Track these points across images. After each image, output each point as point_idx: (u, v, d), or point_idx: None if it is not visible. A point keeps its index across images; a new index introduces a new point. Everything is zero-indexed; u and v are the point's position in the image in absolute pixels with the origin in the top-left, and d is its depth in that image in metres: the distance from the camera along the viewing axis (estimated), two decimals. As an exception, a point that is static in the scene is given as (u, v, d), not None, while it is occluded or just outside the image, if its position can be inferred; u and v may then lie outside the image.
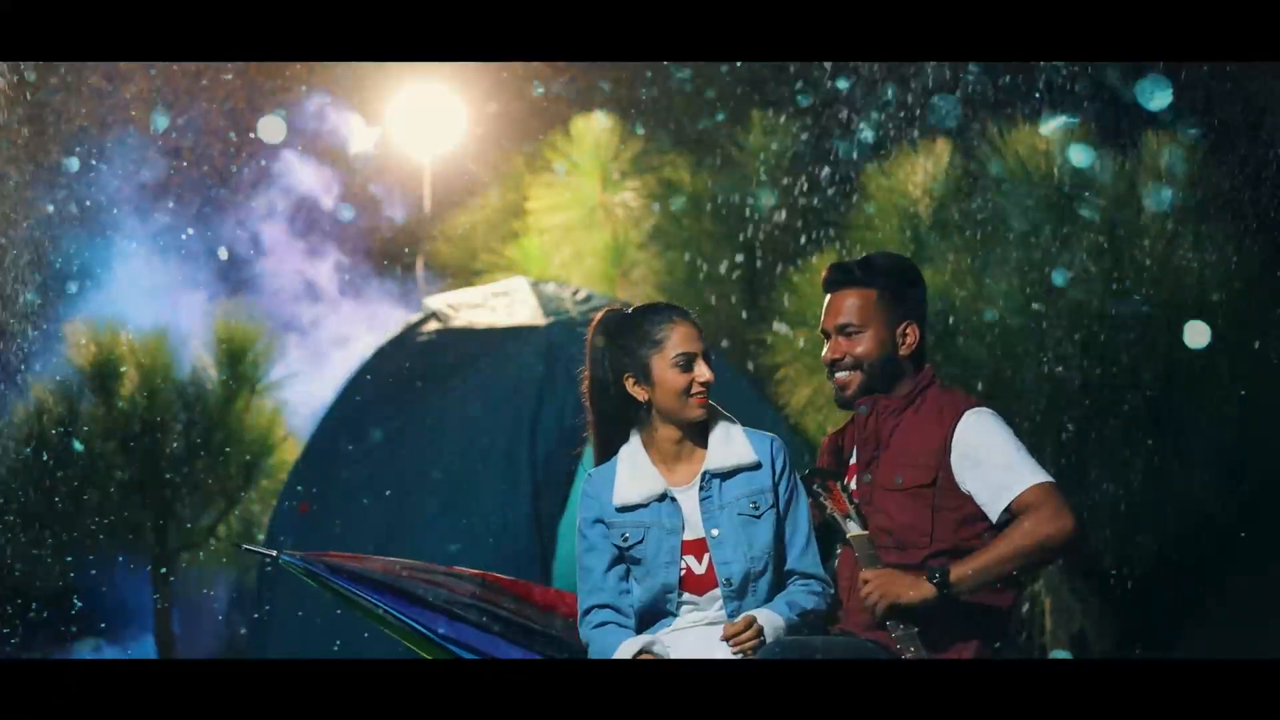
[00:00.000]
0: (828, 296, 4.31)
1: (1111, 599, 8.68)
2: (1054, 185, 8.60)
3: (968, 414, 4.15)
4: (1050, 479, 4.07)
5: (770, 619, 3.91)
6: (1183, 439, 8.45)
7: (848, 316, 4.25)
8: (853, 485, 4.25)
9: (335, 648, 9.22)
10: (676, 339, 4.01)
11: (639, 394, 4.02)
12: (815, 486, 4.22)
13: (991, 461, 4.10)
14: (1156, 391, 8.50)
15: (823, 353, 4.31)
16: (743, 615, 3.91)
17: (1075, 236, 8.60)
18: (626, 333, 4.05)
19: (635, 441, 4.07)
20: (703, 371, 4.01)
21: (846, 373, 4.26)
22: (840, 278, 4.29)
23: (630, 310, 4.14)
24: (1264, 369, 8.39)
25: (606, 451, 4.11)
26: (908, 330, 4.24)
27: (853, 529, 4.15)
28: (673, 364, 4.00)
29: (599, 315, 4.14)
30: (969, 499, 4.13)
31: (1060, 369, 8.66)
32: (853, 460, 4.30)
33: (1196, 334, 7.78)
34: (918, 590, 4.00)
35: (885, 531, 4.14)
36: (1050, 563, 4.12)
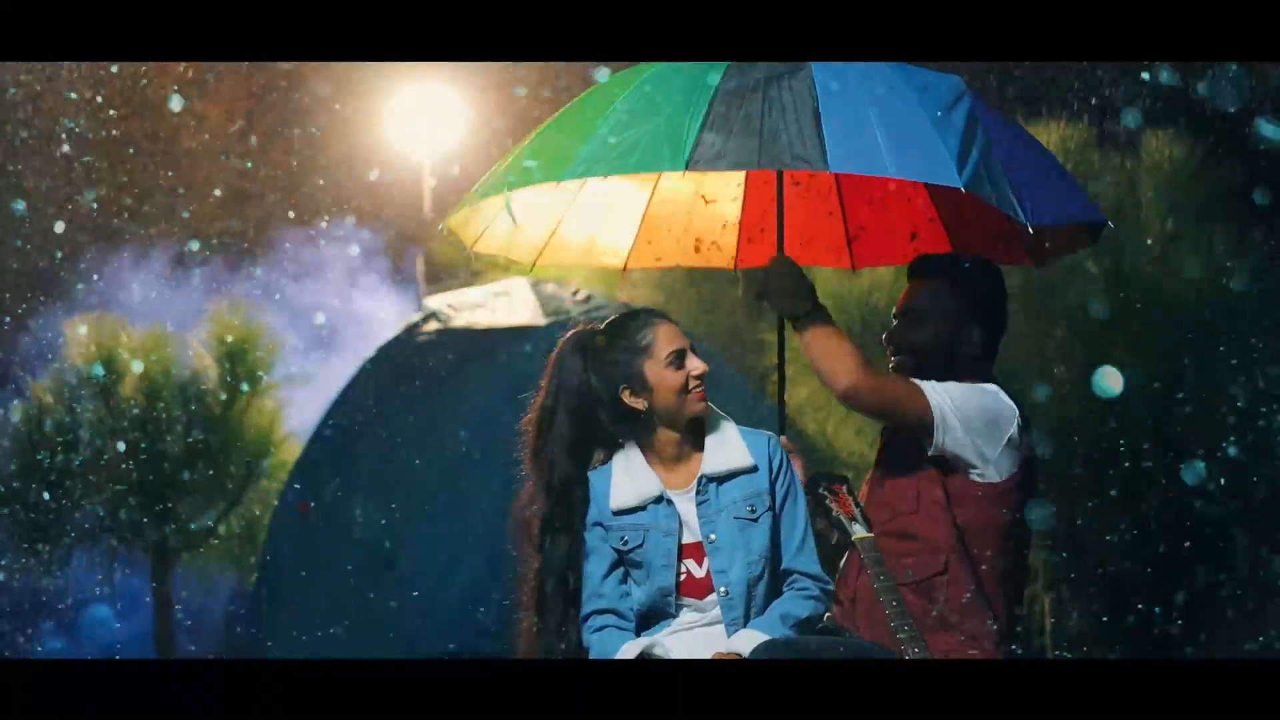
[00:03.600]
0: (908, 283, 4.36)
1: (1111, 599, 8.69)
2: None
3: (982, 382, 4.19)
4: (926, 392, 4.06)
5: (756, 643, 3.88)
6: (1184, 438, 8.45)
7: (913, 302, 4.29)
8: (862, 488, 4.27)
9: (333, 636, 9.23)
10: (663, 339, 3.99)
11: (637, 404, 3.99)
12: (821, 489, 4.22)
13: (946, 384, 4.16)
14: (1156, 392, 8.50)
15: (884, 335, 4.34)
16: (730, 649, 3.89)
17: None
18: (610, 347, 4.02)
19: (632, 446, 4.05)
20: (696, 364, 4.00)
21: (900, 357, 4.29)
22: (921, 267, 4.35)
23: (603, 325, 4.10)
24: (1264, 368, 8.39)
25: (584, 467, 4.06)
26: (973, 333, 4.25)
27: (858, 531, 4.15)
28: (666, 364, 3.97)
29: (566, 338, 4.10)
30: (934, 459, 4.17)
31: (1060, 368, 8.67)
32: None
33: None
34: (786, 304, 4.16)
35: (885, 506, 4.21)
36: (820, 374, 4.20)
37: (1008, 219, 4.35)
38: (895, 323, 4.32)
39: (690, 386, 3.98)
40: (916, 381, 4.11)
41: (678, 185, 4.75)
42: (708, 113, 3.92)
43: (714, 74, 4.02)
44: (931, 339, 4.24)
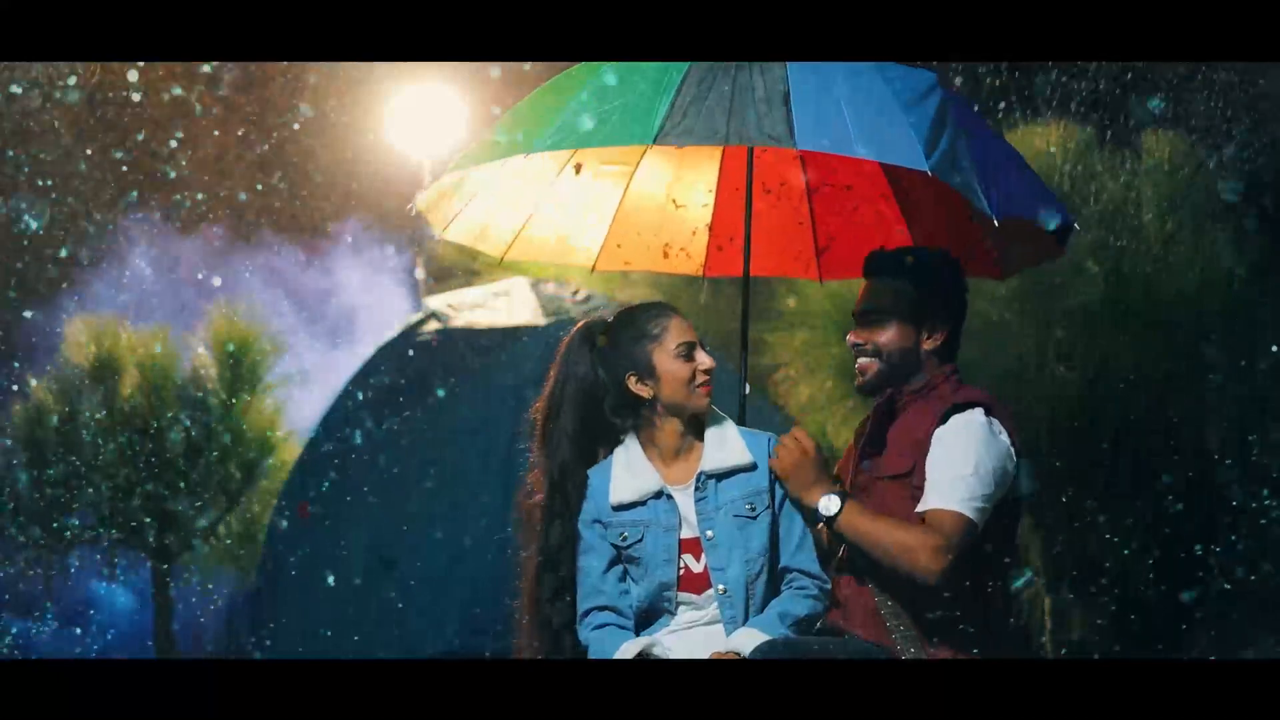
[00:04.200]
0: (865, 281, 4.28)
1: (1111, 599, 8.68)
2: (1055, 185, 8.59)
3: (961, 414, 4.07)
4: (968, 514, 3.97)
5: (755, 641, 3.89)
6: (1183, 437, 8.45)
7: (875, 303, 4.22)
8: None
9: (333, 636, 9.23)
10: (675, 330, 4.02)
11: (643, 391, 4.00)
12: None
13: (943, 464, 4.03)
14: (1157, 390, 8.50)
15: (848, 335, 4.28)
16: (729, 648, 3.90)
17: (1076, 236, 8.59)
18: (619, 334, 4.04)
19: (632, 440, 4.06)
20: (705, 359, 4.03)
21: (866, 359, 4.23)
22: (879, 265, 4.27)
23: (615, 314, 4.12)
24: (1264, 367, 8.39)
25: (586, 460, 4.08)
26: (936, 326, 4.20)
27: None
28: (676, 354, 4.00)
29: (576, 328, 4.12)
30: None
31: (1062, 368, 8.66)
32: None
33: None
34: (809, 497, 3.99)
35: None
36: (898, 574, 4.02)
37: (977, 230, 4.37)
38: (856, 324, 4.25)
39: (697, 380, 4.00)
40: (949, 508, 3.99)
41: (650, 187, 4.74)
42: (679, 90, 3.92)
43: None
44: (895, 339, 4.19)
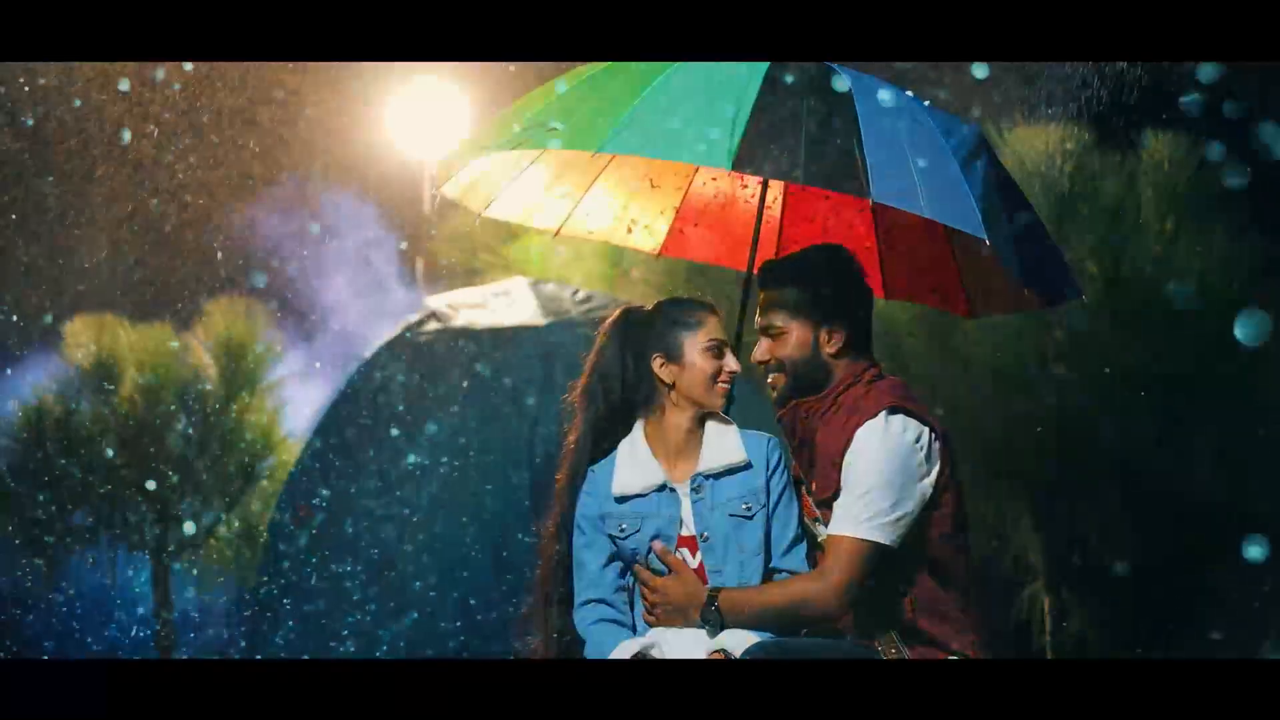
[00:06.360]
0: (760, 294, 4.20)
1: (1111, 599, 8.69)
2: (1055, 185, 8.60)
3: (871, 422, 3.98)
4: (866, 537, 3.90)
5: (743, 643, 3.90)
6: (1184, 438, 8.46)
7: (770, 317, 4.14)
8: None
9: (333, 636, 9.24)
10: (711, 325, 4.07)
11: (666, 374, 4.03)
12: None
13: (849, 484, 3.97)
14: (1158, 391, 8.51)
15: (753, 354, 4.20)
16: (717, 649, 3.91)
17: (1076, 236, 8.61)
18: (656, 318, 4.08)
19: (638, 432, 4.08)
20: (731, 362, 4.07)
21: (773, 374, 4.16)
22: (768, 274, 4.19)
23: (658, 302, 4.16)
24: (1265, 369, 8.40)
25: (598, 449, 4.10)
26: (834, 329, 4.10)
27: (823, 533, 4.11)
28: (706, 348, 4.04)
29: (618, 312, 4.16)
30: None
31: (1062, 368, 8.67)
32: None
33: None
34: (692, 615, 3.94)
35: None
36: (810, 624, 3.96)
37: (953, 269, 4.45)
38: (759, 339, 4.17)
39: (720, 379, 4.02)
40: (843, 534, 3.93)
41: (631, 165, 4.73)
42: (752, 115, 3.92)
43: (755, 76, 4.01)
44: (794, 349, 4.11)
